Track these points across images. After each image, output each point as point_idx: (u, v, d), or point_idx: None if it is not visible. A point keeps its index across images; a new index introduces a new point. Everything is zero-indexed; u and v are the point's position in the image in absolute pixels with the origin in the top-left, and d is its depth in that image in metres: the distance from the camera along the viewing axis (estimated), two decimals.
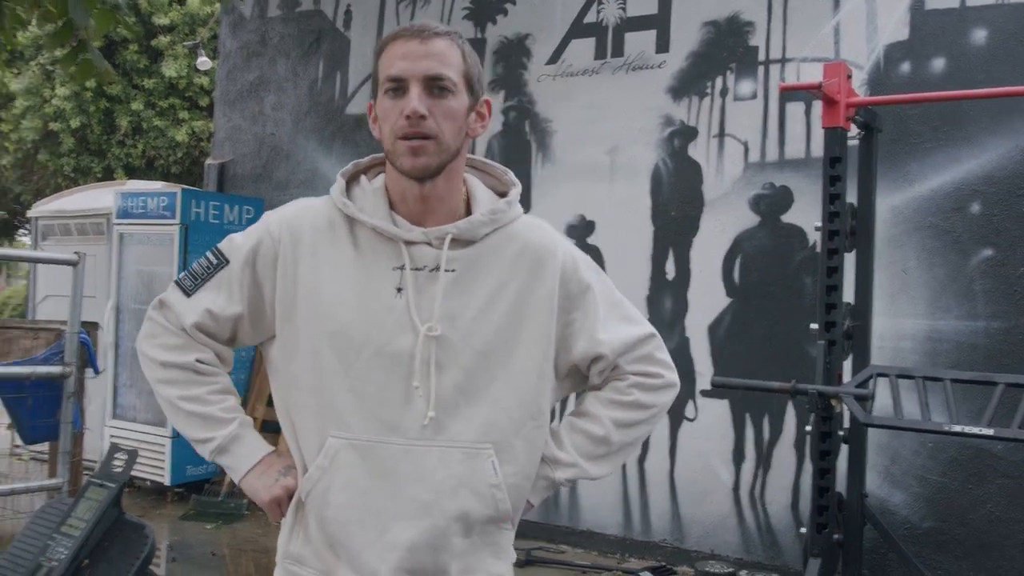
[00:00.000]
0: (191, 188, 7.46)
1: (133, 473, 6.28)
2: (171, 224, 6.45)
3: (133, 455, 3.49)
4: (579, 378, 1.77)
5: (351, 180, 1.71)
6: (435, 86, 1.55)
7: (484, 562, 1.63)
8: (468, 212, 1.67)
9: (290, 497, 1.65)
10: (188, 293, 1.68)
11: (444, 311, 1.58)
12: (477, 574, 1.63)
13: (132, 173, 13.36)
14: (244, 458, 1.67)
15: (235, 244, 1.69)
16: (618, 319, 1.74)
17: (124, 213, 6.77)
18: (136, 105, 13.04)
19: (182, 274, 1.72)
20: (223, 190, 7.64)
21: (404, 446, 1.56)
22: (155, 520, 6.00)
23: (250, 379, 6.82)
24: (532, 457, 1.66)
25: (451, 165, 1.60)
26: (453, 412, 1.58)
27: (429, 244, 1.60)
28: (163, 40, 12.92)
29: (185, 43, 11.97)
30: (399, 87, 1.56)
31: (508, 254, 1.65)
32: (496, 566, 1.66)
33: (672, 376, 1.79)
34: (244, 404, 6.65)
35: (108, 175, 13.40)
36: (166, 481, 6.40)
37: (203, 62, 9.25)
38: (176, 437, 6.35)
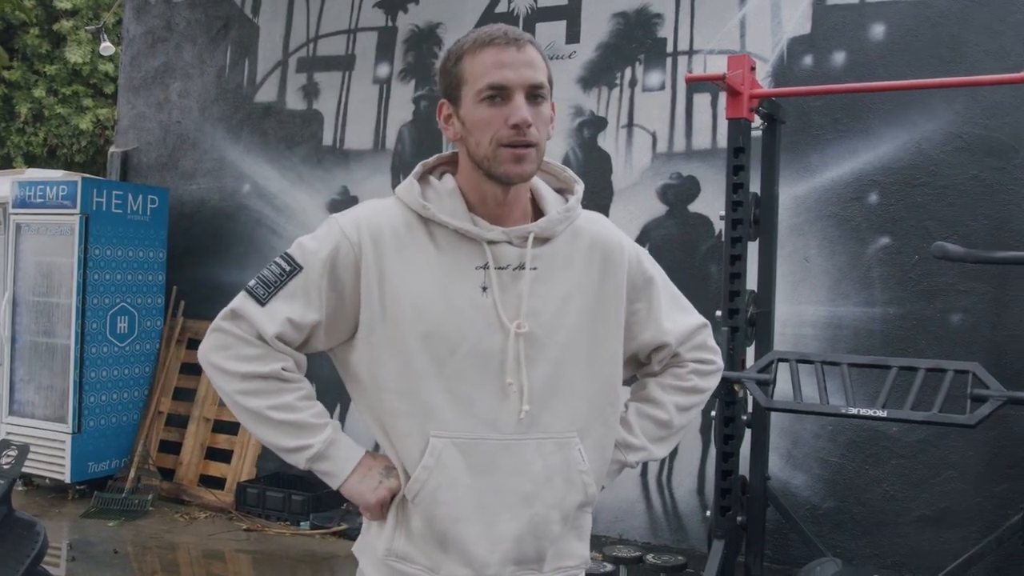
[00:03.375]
0: (92, 177, 7.24)
1: (32, 471, 6.13)
2: (71, 214, 6.25)
3: (24, 450, 3.37)
4: (636, 364, 1.87)
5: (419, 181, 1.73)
6: (535, 94, 1.59)
7: (572, 545, 1.73)
8: (535, 210, 1.72)
9: (392, 497, 1.68)
10: (262, 302, 1.66)
11: (529, 308, 1.63)
12: (567, 558, 1.72)
13: (33, 162, 12.91)
14: (344, 462, 1.69)
15: (308, 250, 1.66)
16: (678, 309, 1.84)
17: (22, 202, 6.53)
18: (38, 92, 12.60)
19: (252, 282, 1.69)
20: (127, 179, 7.42)
21: (502, 441, 1.62)
22: (54, 518, 5.81)
23: (154, 373, 6.66)
24: (610, 442, 1.76)
25: None
26: (544, 405, 1.64)
27: (509, 243, 1.64)
28: (66, 24, 12.50)
29: (88, 28, 11.60)
30: (500, 95, 1.57)
31: (581, 250, 1.71)
32: (582, 548, 1.76)
33: (720, 361, 1.91)
34: (148, 397, 6.52)
35: (7, 164, 12.92)
36: (67, 478, 6.19)
37: (106, 47, 8.94)
38: (77, 433, 6.16)
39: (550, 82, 1.64)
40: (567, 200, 1.75)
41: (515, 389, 1.62)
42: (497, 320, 1.62)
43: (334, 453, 1.68)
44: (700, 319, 1.87)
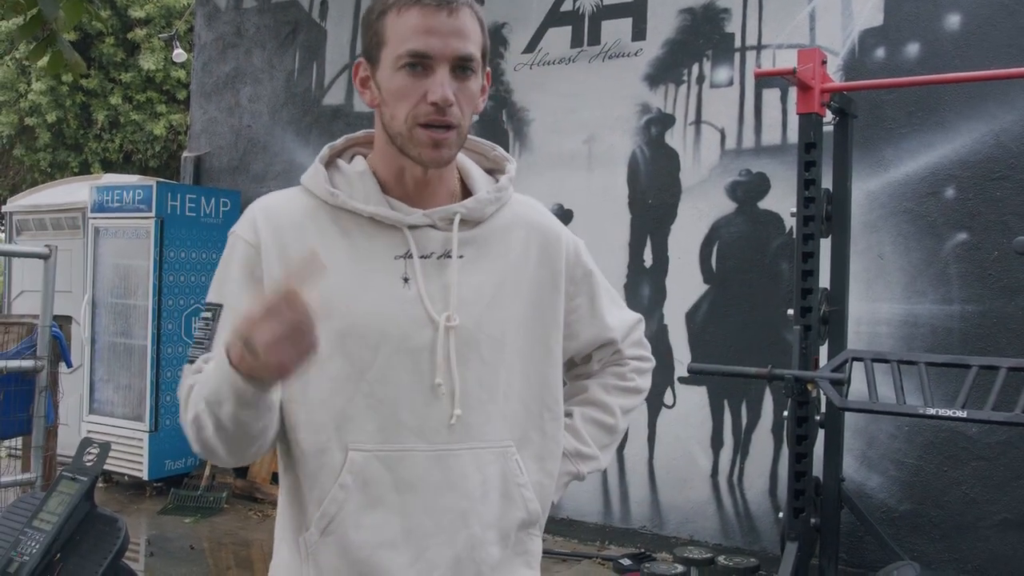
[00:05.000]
0: (167, 181, 7.40)
1: (111, 468, 6.29)
2: (147, 217, 6.41)
3: (105, 448, 3.46)
4: (566, 367, 1.66)
5: (327, 166, 1.53)
6: (462, 67, 1.39)
7: (518, 572, 1.51)
8: (464, 191, 1.53)
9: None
10: (200, 366, 1.43)
11: (459, 299, 1.43)
12: None
13: (109, 167, 13.26)
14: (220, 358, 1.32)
15: (220, 281, 1.47)
16: (616, 305, 1.69)
17: (100, 207, 6.72)
18: (113, 99, 12.93)
19: (189, 352, 1.47)
20: (200, 183, 7.59)
21: (433, 452, 1.41)
22: (133, 515, 5.96)
23: None
24: (552, 452, 1.55)
25: None
26: (477, 409, 1.44)
27: (433, 226, 1.45)
28: (139, 33, 12.81)
29: (161, 35, 11.88)
30: (422, 64, 1.37)
31: (516, 236, 1.52)
32: None
33: (653, 359, 1.77)
34: None
35: (85, 170, 13.29)
36: (144, 476, 6.36)
37: (179, 55, 9.16)
38: (154, 431, 6.31)
39: (484, 53, 1.44)
40: (498, 180, 1.55)
41: (444, 391, 1.41)
42: (424, 314, 1.41)
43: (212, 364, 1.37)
44: (636, 314, 1.74)
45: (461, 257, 1.45)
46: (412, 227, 1.44)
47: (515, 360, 1.49)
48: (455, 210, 1.46)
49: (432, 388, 1.41)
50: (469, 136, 1.53)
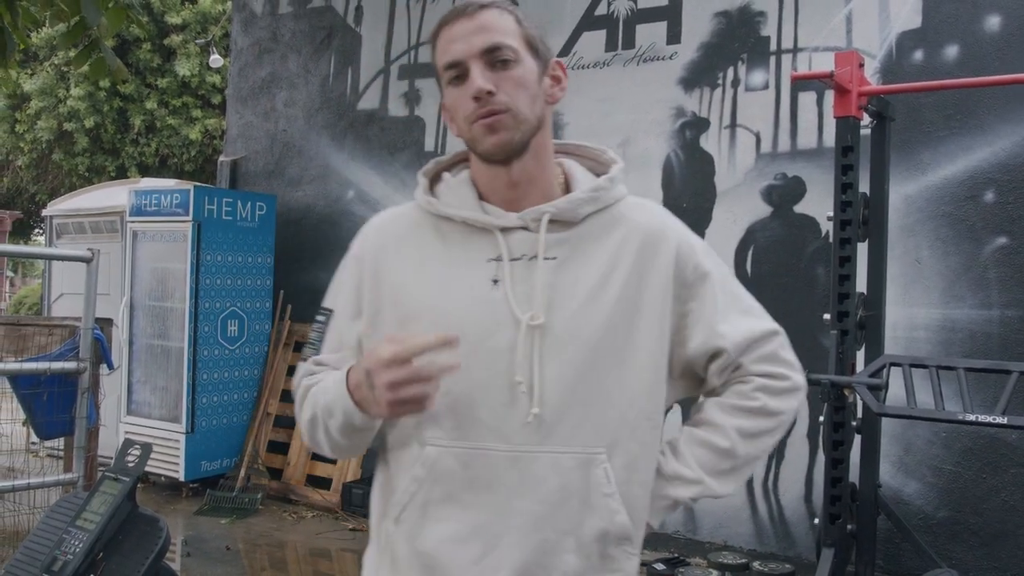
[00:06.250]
0: (204, 185, 7.48)
1: (148, 469, 6.35)
2: (184, 221, 6.48)
3: (147, 449, 3.51)
4: (695, 381, 1.58)
5: (434, 179, 1.58)
6: (496, 59, 1.42)
7: None
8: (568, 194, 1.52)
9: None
10: (312, 365, 1.56)
11: (547, 300, 1.42)
12: None
13: (146, 172, 13.44)
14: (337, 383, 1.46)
15: (333, 289, 1.59)
16: (740, 312, 1.55)
17: (138, 211, 6.81)
18: (150, 104, 13.11)
19: (304, 350, 1.60)
20: (236, 187, 7.67)
21: (510, 452, 1.40)
22: (169, 515, 6.03)
23: (263, 375, 6.85)
24: (648, 463, 1.49)
25: (536, 140, 1.46)
26: (563, 412, 1.41)
27: (526, 228, 1.45)
28: (175, 39, 12.98)
29: (197, 41, 12.02)
30: (459, 72, 1.43)
31: (615, 237, 1.48)
32: None
33: (799, 378, 1.58)
34: (257, 399, 6.71)
35: (122, 174, 13.47)
36: (180, 476, 6.42)
37: (215, 60, 9.28)
38: (190, 433, 6.38)
39: (530, 43, 1.46)
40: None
41: (524, 390, 1.40)
42: (509, 314, 1.41)
43: (328, 384, 1.48)
44: (769, 325, 1.57)
45: (554, 259, 1.45)
46: (504, 230, 1.46)
47: (609, 364, 1.44)
48: (544, 210, 1.46)
49: (511, 387, 1.41)
50: (580, 143, 1.60)
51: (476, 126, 1.43)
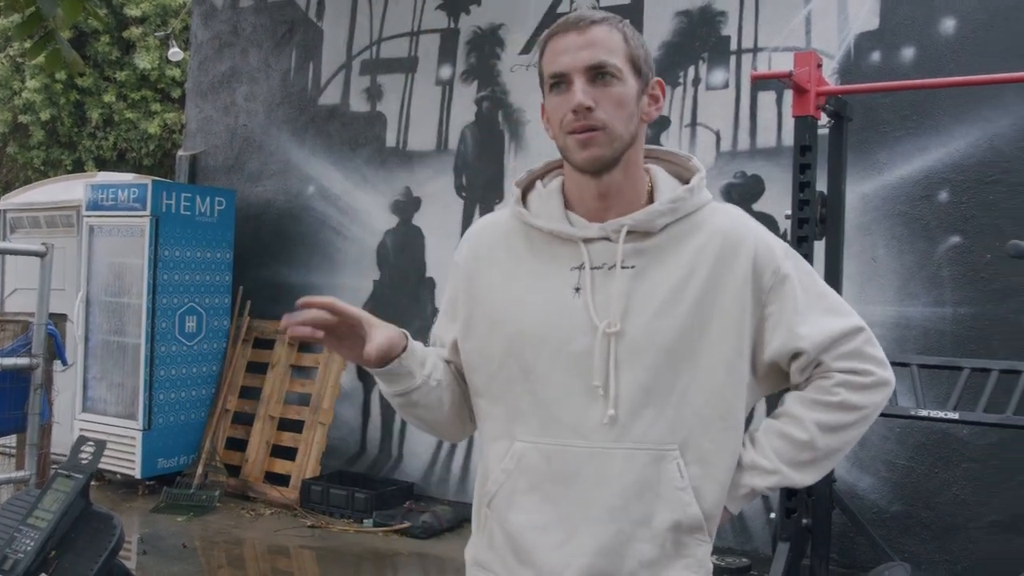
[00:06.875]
0: (162, 180, 7.40)
1: (103, 466, 6.28)
2: (142, 216, 6.40)
3: (101, 446, 3.46)
4: (781, 376, 1.63)
5: (528, 188, 1.67)
6: (599, 75, 1.49)
7: (678, 574, 1.54)
8: (652, 204, 1.58)
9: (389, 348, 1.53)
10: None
11: (624, 308, 1.51)
12: None
13: (103, 166, 13.24)
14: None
15: (446, 293, 1.73)
16: (821, 311, 1.59)
17: (94, 205, 6.71)
18: (108, 97, 12.91)
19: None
20: (195, 182, 7.58)
21: (588, 449, 1.52)
22: (125, 513, 5.95)
23: (221, 371, 6.79)
24: (723, 460, 1.56)
25: (627, 155, 1.54)
26: (637, 412, 1.51)
27: (608, 239, 1.54)
28: (135, 31, 12.80)
29: (157, 34, 11.88)
30: (562, 82, 1.51)
31: (693, 244, 1.55)
32: None
33: (884, 373, 1.62)
34: (215, 395, 6.65)
35: (78, 168, 13.26)
36: (137, 474, 6.35)
37: (175, 53, 9.17)
38: (147, 429, 6.31)
39: (635, 62, 1.53)
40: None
41: (602, 392, 1.50)
42: (588, 321, 1.52)
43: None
44: (852, 323, 1.60)
45: (632, 267, 1.53)
46: (587, 240, 1.55)
47: (685, 367, 1.52)
48: (623, 223, 1.54)
49: (590, 390, 1.51)
50: (670, 149, 1.68)
51: (571, 138, 1.51)
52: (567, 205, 1.60)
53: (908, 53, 4.86)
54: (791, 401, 1.62)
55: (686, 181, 1.61)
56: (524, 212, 1.62)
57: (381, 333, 1.51)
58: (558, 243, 1.57)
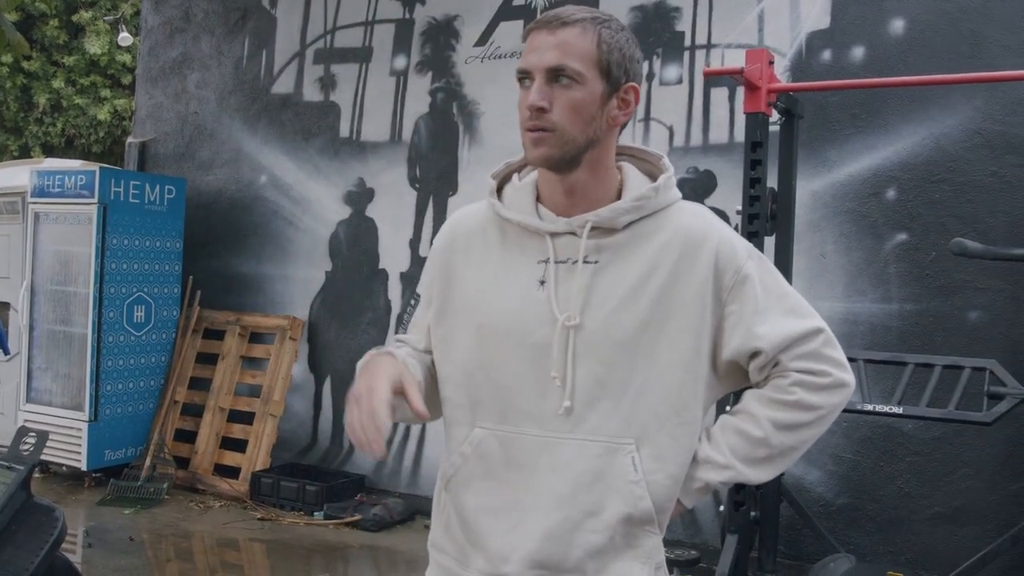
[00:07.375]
0: (110, 167, 7.27)
1: (49, 458, 6.17)
2: (89, 203, 6.28)
3: (43, 437, 3.39)
4: (741, 375, 1.64)
5: (504, 180, 1.70)
6: (558, 77, 1.52)
7: (625, 565, 1.56)
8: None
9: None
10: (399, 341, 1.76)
11: (584, 302, 1.55)
12: None
13: (50, 152, 12.99)
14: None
15: (423, 281, 1.77)
16: (782, 312, 1.60)
17: (40, 192, 6.57)
18: (56, 82, 12.67)
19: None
20: (145, 169, 7.46)
21: (541, 437, 1.56)
22: (71, 505, 5.86)
23: (170, 362, 6.70)
24: (677, 455, 1.57)
25: (589, 156, 1.56)
26: (592, 405, 1.54)
27: (574, 234, 1.58)
28: (85, 15, 12.56)
29: (107, 18, 11.66)
30: (527, 78, 1.55)
31: (656, 242, 1.58)
32: (638, 571, 1.57)
33: (842, 375, 1.62)
34: (164, 386, 6.56)
35: (25, 154, 13.00)
36: (83, 466, 6.24)
37: (124, 38, 9.01)
38: (93, 421, 6.21)
39: (601, 66, 1.53)
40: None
41: (558, 383, 1.55)
42: (550, 314, 1.55)
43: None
44: (812, 324, 1.61)
45: (596, 263, 1.57)
46: (554, 234, 1.59)
47: (641, 362, 1.55)
48: (587, 219, 1.57)
49: (548, 381, 1.56)
50: (643, 147, 1.70)
51: (525, 135, 1.56)
52: (540, 199, 1.63)
53: (858, 52, 4.92)
54: (748, 398, 1.64)
55: (657, 179, 1.64)
56: (497, 203, 1.66)
57: (400, 384, 1.51)
58: (528, 236, 1.61)
